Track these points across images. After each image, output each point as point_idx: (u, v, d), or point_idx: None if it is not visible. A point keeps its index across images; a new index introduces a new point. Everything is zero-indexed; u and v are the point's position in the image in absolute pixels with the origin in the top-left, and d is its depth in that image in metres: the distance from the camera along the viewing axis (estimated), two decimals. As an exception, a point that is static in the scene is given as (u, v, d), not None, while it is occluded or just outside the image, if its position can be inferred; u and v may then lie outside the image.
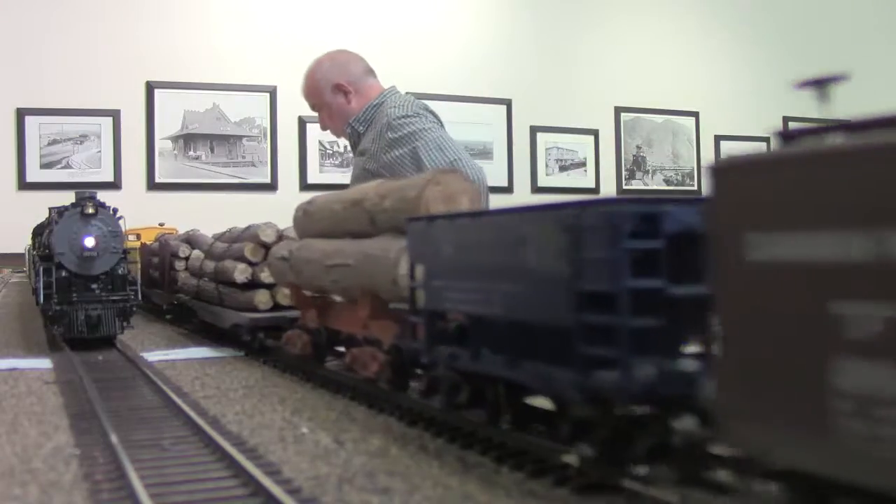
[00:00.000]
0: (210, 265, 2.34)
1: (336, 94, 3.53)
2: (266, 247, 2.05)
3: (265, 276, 2.02)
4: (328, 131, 3.69)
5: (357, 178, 3.39)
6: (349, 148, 3.65)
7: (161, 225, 3.88)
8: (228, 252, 2.22)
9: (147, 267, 3.21)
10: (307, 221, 1.75)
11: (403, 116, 3.27)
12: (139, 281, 2.22)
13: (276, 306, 2.03)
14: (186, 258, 2.75)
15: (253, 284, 2.07)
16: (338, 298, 1.65)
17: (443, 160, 3.06)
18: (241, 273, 2.07)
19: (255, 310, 2.01)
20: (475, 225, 1.05)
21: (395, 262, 1.28)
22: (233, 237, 2.33)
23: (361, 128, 3.44)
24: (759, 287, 0.64)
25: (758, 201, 0.65)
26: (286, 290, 1.94)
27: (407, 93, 3.58)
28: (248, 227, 2.23)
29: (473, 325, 1.05)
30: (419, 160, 3.08)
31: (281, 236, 2.04)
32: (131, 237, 3.63)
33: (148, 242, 3.38)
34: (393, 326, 1.35)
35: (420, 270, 1.15)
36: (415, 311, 1.18)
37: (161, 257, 2.94)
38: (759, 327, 0.64)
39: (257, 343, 1.98)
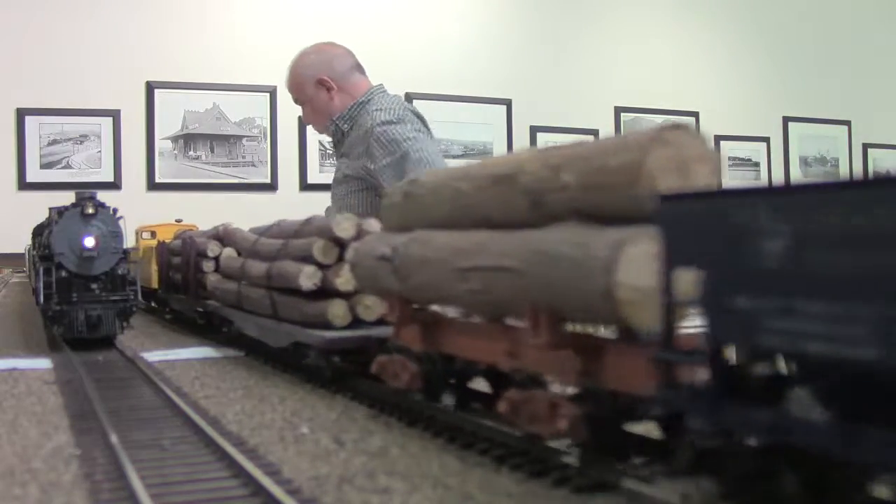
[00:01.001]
0: (257, 267, 1.89)
1: (319, 88, 3.41)
2: (341, 244, 1.62)
3: (341, 283, 1.56)
4: (311, 125, 3.55)
5: (338, 182, 3.34)
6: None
7: (178, 221, 3.49)
8: (286, 251, 1.77)
9: (165, 268, 2.80)
10: (411, 208, 1.27)
11: (387, 122, 3.16)
12: (139, 281, 2.21)
13: (355, 321, 1.58)
14: (216, 258, 2.35)
15: (323, 292, 1.61)
16: (452, 313, 1.25)
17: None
18: (308, 278, 1.61)
19: (328, 326, 1.56)
20: (866, 201, 0.59)
21: (606, 265, 0.84)
22: (285, 232, 1.88)
23: (346, 126, 3.32)
24: None
25: None
26: (369, 302, 1.54)
27: (397, 94, 3.49)
28: (309, 220, 1.81)
29: (838, 378, 0.63)
30: (404, 172, 2.92)
31: (361, 230, 1.60)
32: (145, 235, 3.27)
33: (167, 240, 2.94)
34: (574, 360, 0.93)
35: (691, 280, 0.73)
36: (667, 345, 0.76)
37: (184, 257, 2.52)
38: None
39: (330, 370, 1.55)
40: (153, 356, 2.00)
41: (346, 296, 1.57)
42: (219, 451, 1.04)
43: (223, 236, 2.41)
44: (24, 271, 5.06)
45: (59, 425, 1.28)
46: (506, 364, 1.05)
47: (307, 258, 1.64)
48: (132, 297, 2.11)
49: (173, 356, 2.03)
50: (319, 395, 1.51)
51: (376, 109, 3.23)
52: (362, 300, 1.56)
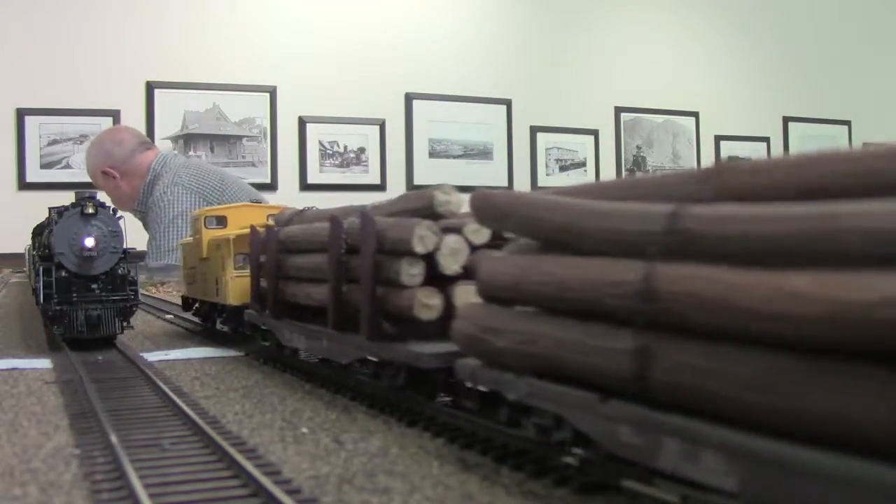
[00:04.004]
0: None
1: (106, 179, 4.10)
2: None
3: None
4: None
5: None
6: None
7: (257, 201, 2.50)
8: None
9: (272, 272, 1.76)
10: None
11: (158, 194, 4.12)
12: (138, 280, 2.20)
13: None
14: (428, 256, 1.27)
15: None
16: None
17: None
18: None
19: None
20: None
21: None
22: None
23: (143, 208, 4.13)
24: None
25: None
26: None
27: (182, 160, 4.60)
28: None
29: None
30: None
31: None
32: (210, 222, 2.30)
33: (271, 226, 1.87)
34: None
35: None
36: None
37: (334, 257, 1.45)
38: None
39: None
40: (153, 356, 2.00)
41: None
42: (219, 451, 1.04)
43: (482, 207, 1.08)
44: (24, 271, 5.06)
45: (59, 425, 1.28)
46: None
47: None
48: (132, 296, 2.11)
49: (173, 356, 2.03)
50: (319, 395, 1.51)
51: (161, 187, 4.12)
52: None
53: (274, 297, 1.75)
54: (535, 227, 0.96)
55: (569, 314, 0.87)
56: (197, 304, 2.45)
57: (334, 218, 1.46)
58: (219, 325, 2.29)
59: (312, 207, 1.75)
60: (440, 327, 1.21)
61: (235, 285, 2.02)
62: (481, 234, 1.27)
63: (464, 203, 1.25)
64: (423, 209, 1.34)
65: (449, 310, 1.22)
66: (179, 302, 3.38)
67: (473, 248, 1.27)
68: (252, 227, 1.91)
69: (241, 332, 2.06)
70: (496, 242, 1.22)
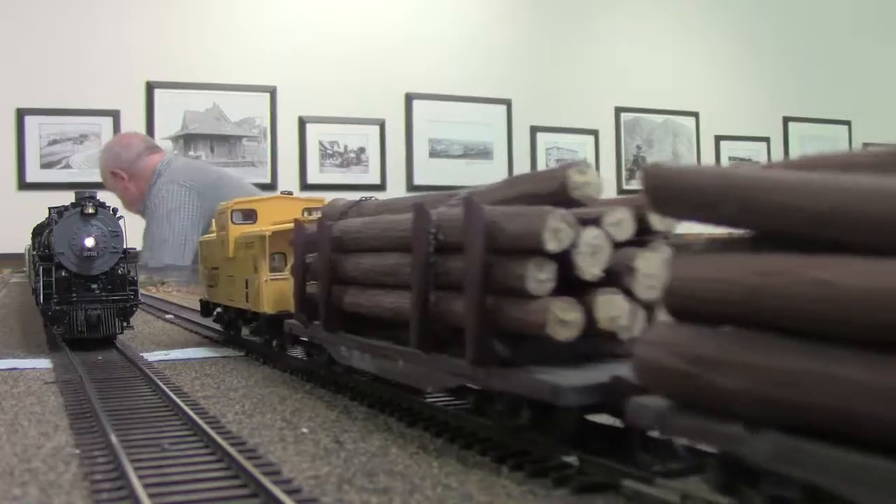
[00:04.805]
0: None
1: (116, 180, 4.25)
2: None
3: None
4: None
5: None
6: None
7: (289, 193, 2.16)
8: None
9: (324, 275, 1.44)
10: None
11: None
12: (138, 280, 2.19)
13: None
14: (563, 255, 0.96)
15: None
16: None
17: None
18: None
19: None
20: None
21: None
22: None
23: (142, 208, 4.21)
24: None
25: None
26: None
27: (184, 160, 4.66)
28: None
29: None
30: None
31: None
32: (237, 217, 1.98)
33: (321, 220, 1.53)
34: None
35: None
36: None
37: (420, 254, 1.12)
38: None
39: None
40: (153, 356, 2.00)
41: None
42: (219, 451, 1.04)
43: (646, 189, 0.76)
44: (24, 271, 5.06)
45: (59, 425, 1.28)
46: None
47: None
48: (132, 296, 2.11)
49: (173, 356, 2.03)
50: (319, 395, 1.51)
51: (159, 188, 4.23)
52: None
53: (327, 306, 1.42)
54: (774, 218, 0.65)
55: (864, 347, 0.57)
56: (219, 310, 2.19)
57: (419, 206, 1.12)
58: (245, 334, 2.05)
59: (372, 198, 1.52)
60: (562, 349, 0.94)
61: (271, 290, 1.74)
62: (624, 228, 0.96)
63: (600, 186, 1.00)
64: (550, 194, 1.00)
65: (590, 327, 0.94)
66: (179, 302, 3.39)
67: (616, 245, 0.96)
68: (296, 222, 1.61)
69: (277, 344, 1.80)
70: (639, 239, 0.98)
